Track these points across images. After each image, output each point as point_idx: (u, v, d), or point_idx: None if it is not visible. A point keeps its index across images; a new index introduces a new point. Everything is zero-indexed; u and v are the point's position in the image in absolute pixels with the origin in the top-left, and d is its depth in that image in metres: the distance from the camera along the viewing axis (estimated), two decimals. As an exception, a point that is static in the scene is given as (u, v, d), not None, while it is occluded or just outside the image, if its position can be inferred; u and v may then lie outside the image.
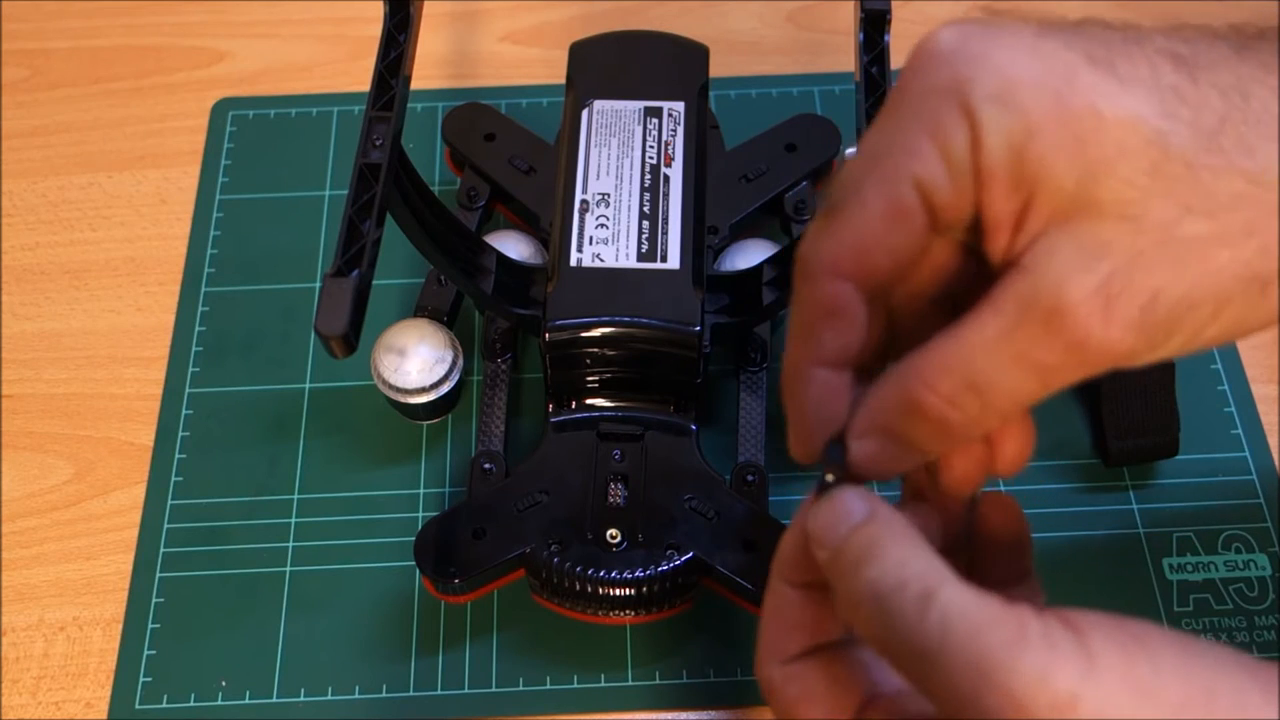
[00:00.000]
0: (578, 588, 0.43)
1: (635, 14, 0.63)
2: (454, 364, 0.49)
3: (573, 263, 0.45)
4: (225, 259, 0.55)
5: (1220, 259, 0.26)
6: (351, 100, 0.60)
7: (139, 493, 0.49)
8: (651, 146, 0.48)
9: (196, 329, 0.53)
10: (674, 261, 0.45)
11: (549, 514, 0.44)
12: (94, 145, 0.59)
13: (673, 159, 0.48)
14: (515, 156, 0.53)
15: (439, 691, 0.45)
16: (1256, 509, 0.48)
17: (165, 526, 0.48)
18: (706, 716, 0.45)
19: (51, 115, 0.60)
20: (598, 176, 0.47)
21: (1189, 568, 0.47)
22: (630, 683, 0.45)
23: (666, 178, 0.47)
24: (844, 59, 0.58)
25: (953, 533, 0.34)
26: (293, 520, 0.48)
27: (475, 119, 0.54)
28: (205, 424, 0.51)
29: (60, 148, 0.59)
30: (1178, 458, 0.48)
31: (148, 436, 0.51)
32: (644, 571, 0.43)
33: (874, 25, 0.44)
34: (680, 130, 0.49)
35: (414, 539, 0.44)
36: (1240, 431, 0.50)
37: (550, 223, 0.48)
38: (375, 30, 0.42)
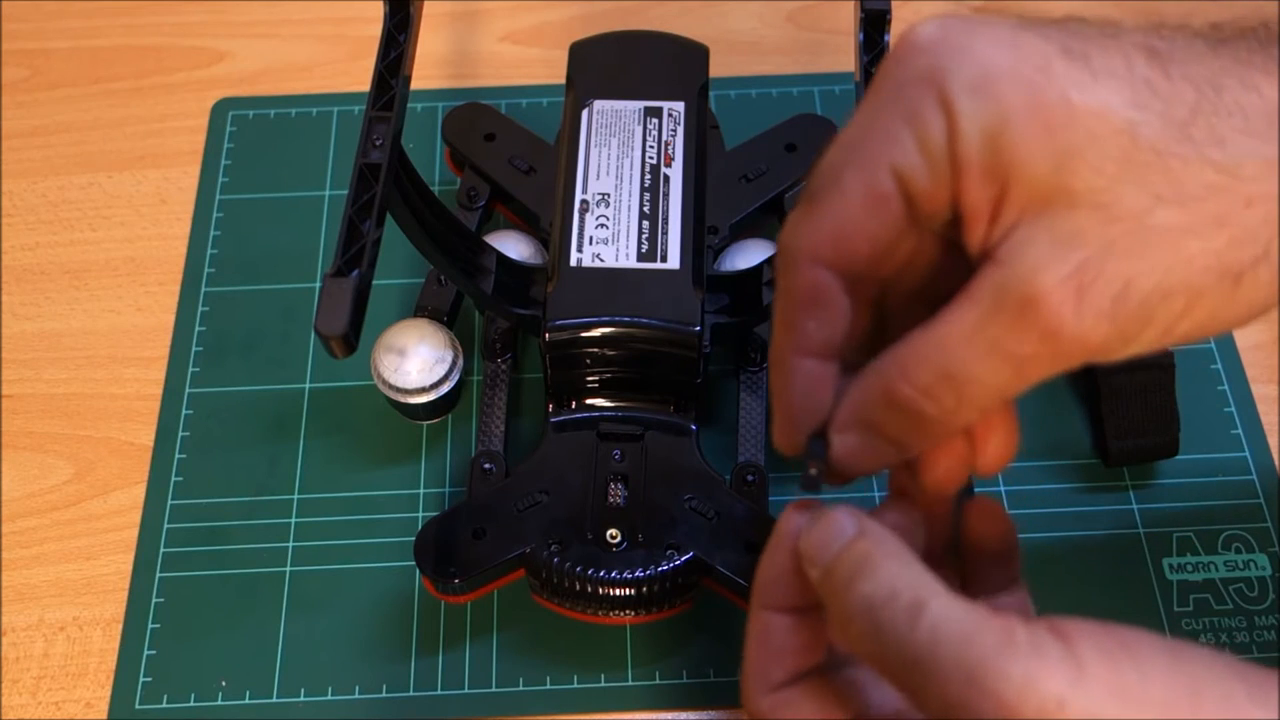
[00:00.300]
0: (578, 588, 0.43)
1: (635, 14, 0.63)
2: (454, 364, 0.49)
3: (573, 263, 0.45)
4: (225, 259, 0.55)
5: (1191, 249, 0.27)
6: (351, 100, 0.60)
7: (139, 493, 0.49)
8: (651, 146, 0.48)
9: (196, 329, 0.53)
10: (674, 261, 0.45)
11: (549, 514, 0.44)
12: (94, 145, 0.59)
13: (673, 159, 0.48)
14: (515, 156, 0.53)
15: (439, 691, 0.45)
16: (1256, 509, 0.48)
17: (165, 526, 0.48)
18: (706, 716, 0.45)
19: (51, 115, 0.60)
20: (598, 176, 0.47)
21: (1189, 568, 0.47)
22: (630, 683, 0.45)
23: (666, 178, 0.47)
24: (844, 59, 0.58)
25: (939, 536, 0.34)
26: (293, 520, 0.48)
27: (475, 119, 0.54)
28: (205, 424, 0.51)
29: (60, 148, 0.59)
30: (1178, 458, 0.48)
31: (148, 436, 0.51)
32: (644, 571, 0.43)
33: (874, 25, 0.44)
34: (680, 130, 0.49)
35: (414, 539, 0.44)
36: (1240, 431, 0.50)
37: (550, 223, 0.48)
38: (375, 30, 0.42)
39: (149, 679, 0.45)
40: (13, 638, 0.46)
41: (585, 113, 0.49)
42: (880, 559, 0.29)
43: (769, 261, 0.48)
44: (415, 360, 0.48)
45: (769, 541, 0.32)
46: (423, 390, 0.48)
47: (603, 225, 0.46)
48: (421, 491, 0.49)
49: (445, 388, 0.48)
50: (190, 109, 0.60)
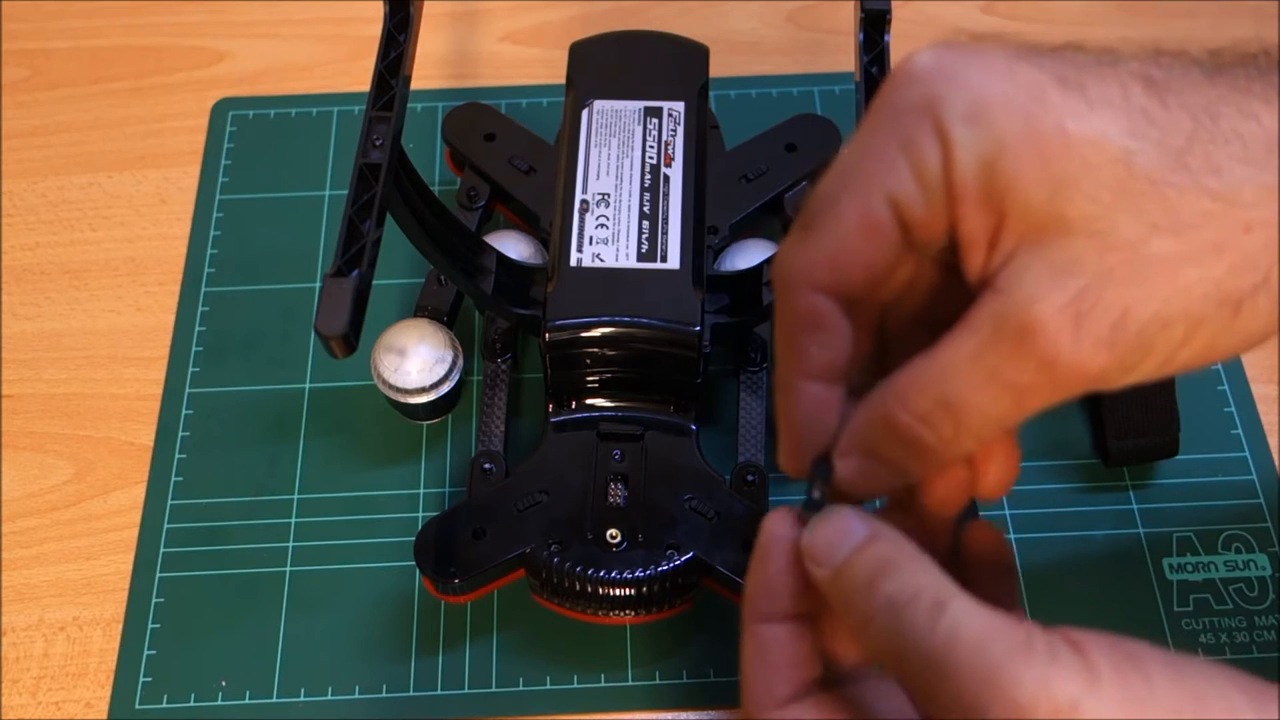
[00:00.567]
0: (578, 588, 0.43)
1: (635, 14, 0.63)
2: (454, 364, 0.49)
3: (573, 263, 0.45)
4: (225, 259, 0.55)
5: (1189, 277, 0.27)
6: (351, 100, 0.60)
7: (139, 493, 0.49)
8: (651, 146, 0.48)
9: (196, 329, 0.53)
10: (674, 261, 0.45)
11: (549, 514, 0.44)
12: (94, 145, 0.59)
13: (673, 159, 0.48)
14: (515, 156, 0.53)
15: (439, 691, 0.45)
16: (1256, 509, 0.48)
17: (165, 526, 0.48)
18: (706, 716, 0.45)
19: (51, 115, 0.60)
20: (598, 176, 0.47)
21: (1189, 568, 0.47)
22: (630, 683, 0.45)
23: (666, 178, 0.47)
24: (844, 59, 0.58)
25: (938, 552, 0.34)
26: (293, 520, 0.48)
27: (475, 119, 0.54)
28: (205, 424, 0.51)
29: (60, 148, 0.59)
30: (1178, 458, 0.48)
31: (148, 436, 0.51)
32: (644, 571, 0.43)
33: (874, 25, 0.44)
34: (680, 130, 0.49)
35: (414, 539, 0.44)
36: (1240, 431, 0.50)
37: (550, 223, 0.48)
38: (375, 30, 0.42)
39: (149, 679, 0.45)
40: (13, 638, 0.46)
41: (585, 113, 0.49)
42: (902, 560, 0.29)
43: (769, 261, 0.48)
44: (415, 360, 0.48)
45: (754, 552, 0.32)
46: (423, 390, 0.48)
47: (603, 225, 0.46)
48: (421, 491, 0.49)
49: (445, 388, 0.48)
50: (190, 109, 0.60)
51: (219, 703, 0.45)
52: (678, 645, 0.46)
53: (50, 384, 0.52)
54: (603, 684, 0.45)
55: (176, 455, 0.50)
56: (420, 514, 0.49)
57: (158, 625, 0.46)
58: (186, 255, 0.55)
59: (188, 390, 0.52)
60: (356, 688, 0.45)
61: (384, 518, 0.48)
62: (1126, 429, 0.48)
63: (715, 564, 0.43)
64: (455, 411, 0.51)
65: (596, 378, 0.46)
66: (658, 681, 0.45)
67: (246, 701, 0.45)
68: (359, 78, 0.61)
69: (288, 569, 0.47)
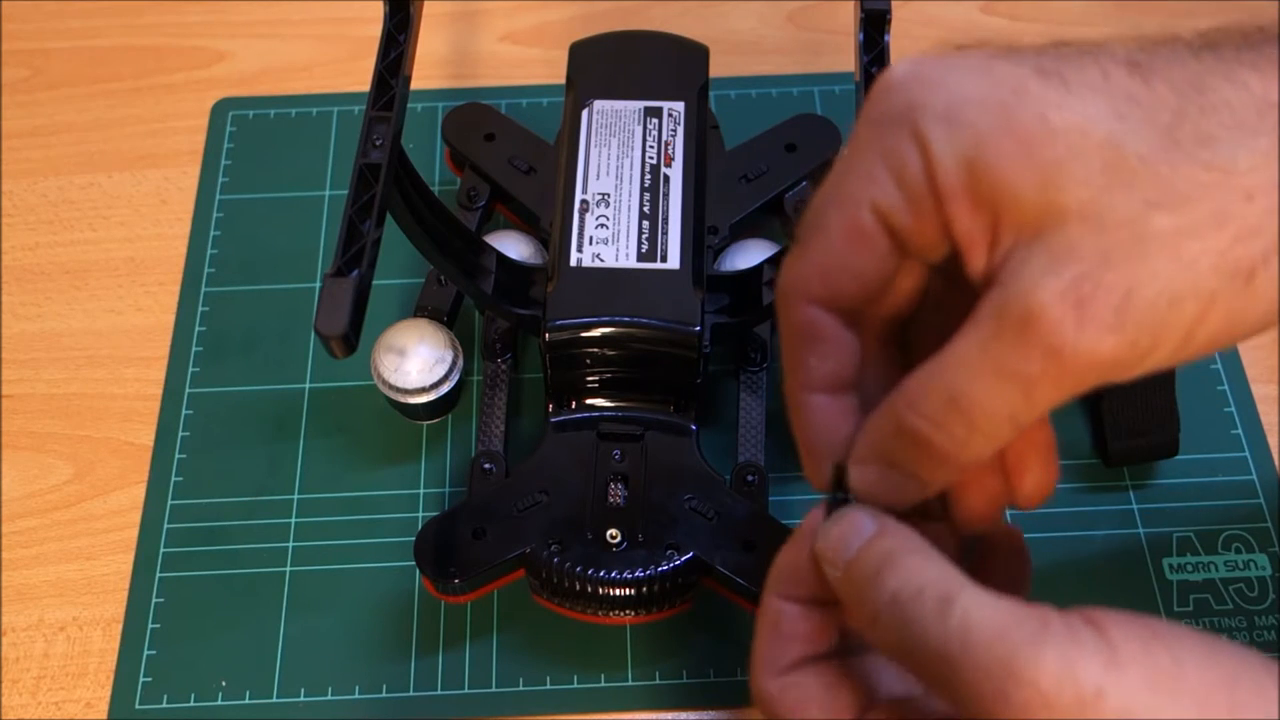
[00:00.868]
0: (578, 588, 0.43)
1: (635, 14, 0.63)
2: (454, 364, 0.49)
3: (573, 263, 0.45)
4: (225, 259, 0.55)
5: (1191, 251, 0.26)
6: (351, 100, 0.60)
7: (139, 493, 0.49)
8: (651, 146, 0.48)
9: (196, 329, 0.53)
10: (674, 261, 0.45)
11: (549, 514, 0.44)
12: (94, 145, 0.59)
13: (673, 159, 0.48)
14: (515, 156, 0.53)
15: (439, 691, 0.45)
16: (1256, 509, 0.48)
17: (165, 526, 0.48)
18: (706, 716, 0.45)
19: (51, 115, 0.60)
20: (598, 176, 0.47)
21: (1189, 568, 0.47)
22: (630, 683, 0.45)
23: (666, 178, 0.47)
24: (844, 59, 0.58)
25: (950, 550, 0.34)
26: (293, 520, 0.48)
27: (475, 119, 0.54)
28: (205, 424, 0.51)
29: (60, 148, 0.59)
30: (1178, 458, 0.48)
31: (148, 436, 0.51)
32: (644, 571, 0.43)
33: (874, 25, 0.44)
34: (680, 130, 0.49)
35: (414, 539, 0.44)
36: (1240, 431, 0.50)
37: (550, 223, 0.48)
38: (375, 30, 0.42)
39: (149, 679, 0.45)
40: (13, 638, 0.46)
41: (585, 113, 0.49)
42: (905, 554, 0.29)
43: (769, 261, 0.48)
44: (415, 360, 0.48)
45: (792, 535, 0.32)
46: (423, 390, 0.48)
47: (603, 225, 0.46)
48: (421, 491, 0.49)
49: (445, 388, 0.48)
50: (190, 109, 0.60)
51: (219, 703, 0.45)
52: (678, 645, 0.46)
53: (50, 384, 0.52)
54: (603, 684, 0.45)
55: (176, 455, 0.50)
56: (420, 514, 0.49)
57: (158, 625, 0.46)
58: (186, 255, 0.55)
59: (188, 390, 0.52)
60: (356, 688, 0.45)
61: (384, 518, 0.48)
62: (1126, 429, 0.48)
63: (715, 564, 0.43)
64: (455, 411, 0.51)
65: (596, 378, 0.46)
66: (658, 681, 0.45)
67: (246, 701, 0.45)
68: (359, 78, 0.61)
69: (288, 569, 0.47)
